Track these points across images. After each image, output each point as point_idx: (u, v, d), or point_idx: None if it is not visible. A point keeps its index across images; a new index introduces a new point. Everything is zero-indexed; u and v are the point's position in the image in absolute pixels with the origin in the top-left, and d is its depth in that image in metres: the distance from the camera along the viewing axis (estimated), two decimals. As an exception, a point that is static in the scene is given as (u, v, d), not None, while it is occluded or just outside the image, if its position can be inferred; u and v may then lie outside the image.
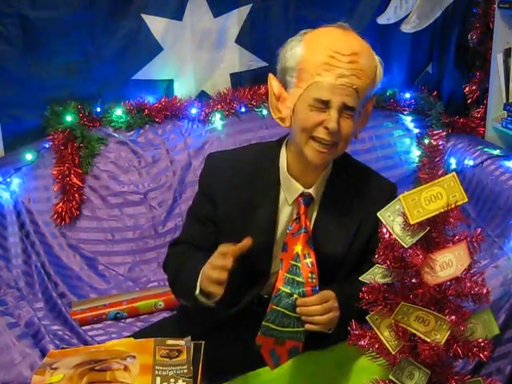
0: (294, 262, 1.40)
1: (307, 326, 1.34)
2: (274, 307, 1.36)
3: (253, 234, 1.40)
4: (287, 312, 1.35)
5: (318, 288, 1.37)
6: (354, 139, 1.45)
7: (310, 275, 1.38)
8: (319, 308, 1.33)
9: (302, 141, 1.40)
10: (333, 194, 1.48)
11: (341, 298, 1.38)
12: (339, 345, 1.43)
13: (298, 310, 1.34)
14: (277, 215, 1.48)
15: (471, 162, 2.38)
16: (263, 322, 1.36)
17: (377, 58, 1.43)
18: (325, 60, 1.34)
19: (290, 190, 1.47)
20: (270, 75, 1.47)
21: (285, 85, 1.44)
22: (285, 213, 1.48)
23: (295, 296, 1.36)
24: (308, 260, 1.39)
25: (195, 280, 1.38)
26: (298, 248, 1.41)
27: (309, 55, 1.37)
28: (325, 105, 1.35)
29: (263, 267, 1.48)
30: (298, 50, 1.39)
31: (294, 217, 1.46)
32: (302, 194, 1.46)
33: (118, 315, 2.02)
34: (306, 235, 1.42)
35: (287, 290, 1.36)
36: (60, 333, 1.86)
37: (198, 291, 1.37)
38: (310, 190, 1.46)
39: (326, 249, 1.45)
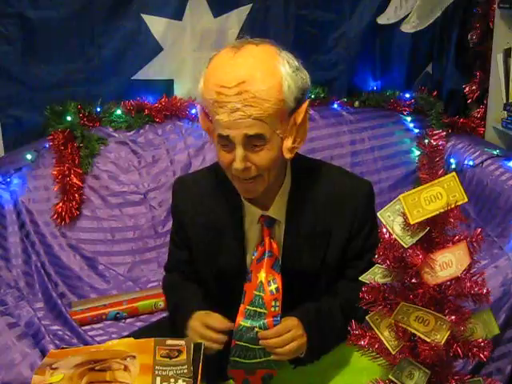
0: (257, 293, 1.38)
1: (273, 357, 1.34)
2: (238, 342, 1.36)
3: (223, 257, 1.42)
4: (251, 346, 1.35)
5: (279, 318, 1.36)
6: (288, 158, 1.32)
7: (273, 303, 1.36)
8: (279, 341, 1.31)
9: (229, 177, 1.36)
10: (296, 211, 1.41)
11: (308, 323, 1.35)
12: (338, 346, 1.44)
13: (260, 342, 1.33)
14: (245, 238, 1.43)
15: (471, 162, 2.38)
16: (230, 357, 1.37)
17: (282, 71, 1.25)
18: (214, 98, 1.24)
19: (251, 213, 1.42)
20: (198, 108, 1.40)
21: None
22: (253, 232, 1.43)
23: (256, 329, 1.35)
24: (273, 287, 1.37)
25: (183, 328, 1.41)
26: (262, 276, 1.38)
27: (204, 93, 1.28)
28: (229, 141, 1.26)
29: (237, 286, 1.42)
30: (200, 85, 1.31)
31: (259, 241, 1.42)
32: (262, 216, 1.41)
33: (118, 315, 2.02)
34: (271, 259, 1.39)
35: (247, 324, 1.36)
36: (60, 333, 1.86)
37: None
38: (269, 213, 1.40)
39: (299, 267, 1.41)
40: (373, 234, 1.40)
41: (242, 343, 1.36)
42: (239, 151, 1.25)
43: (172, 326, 1.51)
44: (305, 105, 1.30)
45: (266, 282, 1.38)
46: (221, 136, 1.27)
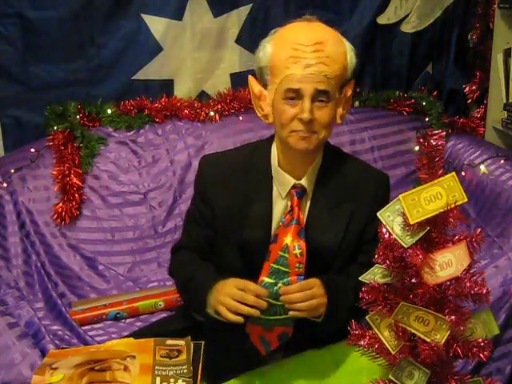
0: (282, 253, 1.42)
1: (291, 313, 1.35)
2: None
3: (249, 230, 1.48)
4: (272, 301, 1.36)
5: (303, 276, 1.39)
6: (338, 123, 1.49)
7: (297, 265, 1.40)
8: (301, 295, 1.34)
9: (284, 134, 1.45)
10: (324, 185, 1.51)
11: (328, 286, 1.39)
12: (338, 344, 1.44)
13: (281, 298, 1.35)
14: (271, 210, 1.50)
15: (471, 162, 2.38)
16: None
17: (347, 45, 1.47)
18: (290, 53, 1.39)
19: (282, 183, 1.50)
20: (250, 77, 1.53)
21: (264, 84, 1.50)
22: (279, 207, 1.51)
23: (279, 285, 1.37)
24: (297, 251, 1.41)
25: (205, 296, 1.41)
26: (288, 239, 1.43)
27: (277, 52, 1.43)
28: (297, 95, 1.39)
29: (261, 261, 1.46)
30: (268, 49, 1.46)
31: (288, 209, 1.48)
32: (294, 187, 1.49)
33: (118, 315, 2.02)
34: (298, 227, 1.44)
35: (271, 280, 1.38)
36: (60, 333, 1.86)
37: (208, 309, 1.41)
38: (302, 182, 1.49)
39: (320, 240, 1.47)
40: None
41: (265, 298, 1.36)
42: (307, 103, 1.38)
43: (187, 299, 1.57)
44: (352, 82, 1.50)
45: (291, 246, 1.42)
46: (290, 90, 1.39)
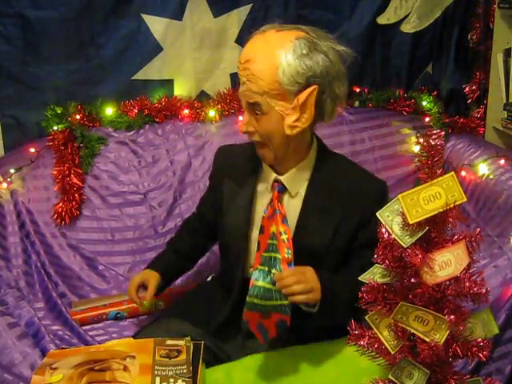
0: (270, 241, 1.49)
1: (289, 299, 1.39)
2: (255, 282, 1.44)
3: (231, 217, 1.64)
4: (268, 286, 1.42)
5: (293, 264, 1.45)
6: (301, 127, 1.49)
7: (286, 250, 1.46)
8: (294, 278, 1.39)
9: None
10: (316, 188, 1.57)
11: (321, 275, 1.44)
12: (338, 345, 1.44)
13: (276, 284, 1.40)
14: (254, 200, 1.62)
15: (471, 162, 2.37)
16: (247, 298, 1.42)
17: (280, 58, 1.43)
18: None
19: (266, 178, 1.61)
20: None
21: None
22: (264, 199, 1.60)
23: (273, 271, 1.44)
24: (284, 236, 1.48)
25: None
26: (274, 228, 1.51)
27: None
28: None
29: (241, 247, 1.61)
30: None
31: (269, 202, 1.57)
32: (276, 181, 1.58)
33: (118, 315, 2.02)
34: (281, 216, 1.52)
35: (265, 268, 1.45)
36: (60, 333, 1.86)
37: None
38: (282, 178, 1.57)
39: (308, 241, 1.54)
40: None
41: (260, 283, 1.43)
42: (245, 116, 1.52)
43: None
44: (310, 88, 1.45)
45: (277, 233, 1.49)
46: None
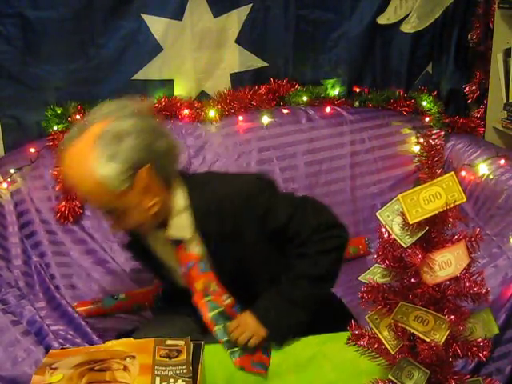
0: (206, 299, 1.58)
1: (245, 347, 1.51)
2: (221, 340, 1.54)
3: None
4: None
5: (237, 306, 1.58)
6: (154, 210, 1.48)
7: (224, 298, 1.58)
8: (238, 331, 1.52)
9: None
10: (204, 221, 1.53)
11: (256, 307, 1.54)
12: (336, 348, 1.44)
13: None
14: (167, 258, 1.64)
15: (471, 162, 2.37)
16: (227, 351, 1.52)
17: (97, 172, 1.38)
18: None
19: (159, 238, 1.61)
20: None
21: None
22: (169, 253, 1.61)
23: (227, 324, 1.56)
24: (213, 288, 1.57)
25: None
26: (199, 285, 1.57)
27: None
28: None
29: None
30: None
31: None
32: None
33: (115, 296, 2.08)
34: (195, 267, 1.56)
35: (220, 326, 1.56)
36: (62, 332, 1.86)
37: None
38: (170, 234, 1.55)
39: (225, 268, 1.57)
40: (281, 214, 1.52)
41: (224, 339, 1.55)
42: (107, 219, 1.57)
43: None
44: (143, 171, 1.41)
45: (204, 288, 1.57)
46: None
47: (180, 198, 1.54)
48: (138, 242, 1.65)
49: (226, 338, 1.53)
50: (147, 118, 1.48)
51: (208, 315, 1.57)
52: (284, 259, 1.56)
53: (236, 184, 1.57)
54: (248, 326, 1.52)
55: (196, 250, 1.56)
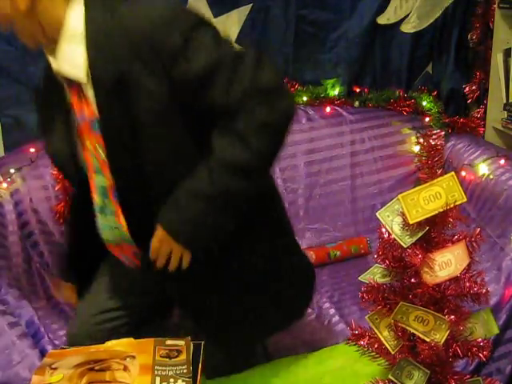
0: (95, 162, 1.29)
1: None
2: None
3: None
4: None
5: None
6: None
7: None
8: (154, 256, 1.30)
9: None
10: (98, 57, 1.18)
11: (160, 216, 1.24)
12: (332, 353, 1.44)
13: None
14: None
15: (471, 162, 2.37)
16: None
17: None
18: None
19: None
20: None
21: None
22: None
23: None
24: (102, 158, 1.27)
25: None
26: (88, 143, 1.28)
27: None
28: None
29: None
30: None
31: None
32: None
33: None
34: (87, 122, 1.26)
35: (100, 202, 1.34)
36: (61, 332, 1.86)
37: None
38: (57, 68, 1.28)
39: (118, 126, 1.21)
40: (198, 58, 1.12)
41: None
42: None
43: None
44: None
45: (93, 149, 1.27)
46: None
47: (75, 18, 1.18)
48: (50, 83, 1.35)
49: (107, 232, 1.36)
50: None
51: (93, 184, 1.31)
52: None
53: (157, 6, 1.16)
54: (162, 242, 1.25)
55: (91, 100, 1.22)
